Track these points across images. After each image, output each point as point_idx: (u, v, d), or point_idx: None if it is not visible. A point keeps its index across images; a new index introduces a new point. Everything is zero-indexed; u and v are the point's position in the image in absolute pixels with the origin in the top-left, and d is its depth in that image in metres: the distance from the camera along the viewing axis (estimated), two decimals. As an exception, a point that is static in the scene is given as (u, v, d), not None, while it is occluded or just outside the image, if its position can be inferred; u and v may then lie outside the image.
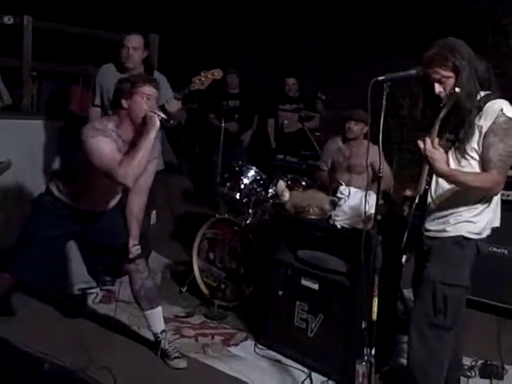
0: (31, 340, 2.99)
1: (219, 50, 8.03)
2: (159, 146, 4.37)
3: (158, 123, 3.07)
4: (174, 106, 4.01)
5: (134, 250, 3.42)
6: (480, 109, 2.63)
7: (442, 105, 2.63)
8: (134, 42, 4.31)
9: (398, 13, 7.41)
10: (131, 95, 3.12)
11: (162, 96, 4.13)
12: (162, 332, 3.55)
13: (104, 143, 3.04)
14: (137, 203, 3.44)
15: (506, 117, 2.59)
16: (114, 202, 3.48)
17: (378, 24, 7.54)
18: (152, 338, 3.61)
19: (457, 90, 2.55)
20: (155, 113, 3.09)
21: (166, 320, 3.72)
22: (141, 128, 3.11)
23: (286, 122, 6.58)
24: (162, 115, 3.11)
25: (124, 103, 3.13)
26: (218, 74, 4.07)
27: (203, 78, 4.02)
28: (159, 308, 3.55)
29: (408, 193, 2.92)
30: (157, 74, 4.36)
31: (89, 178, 3.18)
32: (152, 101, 3.15)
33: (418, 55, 2.80)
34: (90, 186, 3.25)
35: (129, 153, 3.08)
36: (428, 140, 2.59)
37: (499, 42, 6.88)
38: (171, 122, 3.20)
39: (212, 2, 8.81)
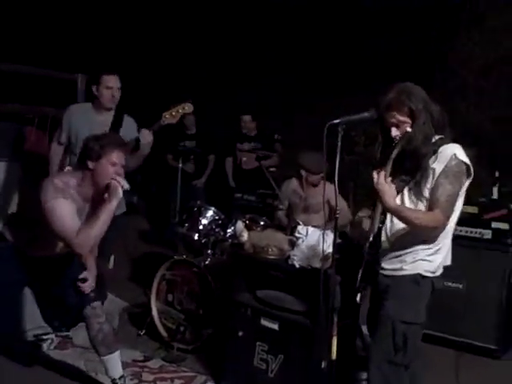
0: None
1: (174, 90, 8.07)
2: None
3: (120, 194, 3.04)
4: (148, 137, 3.95)
5: (86, 285, 3.35)
6: (435, 152, 2.72)
7: (393, 144, 2.71)
8: (117, 82, 4.27)
9: (353, 54, 7.63)
10: (98, 158, 3.07)
11: (130, 137, 4.11)
12: (120, 378, 3.48)
13: (63, 207, 2.98)
14: None
15: (458, 160, 2.69)
16: None
17: (335, 64, 7.74)
18: (110, 384, 3.53)
19: (408, 129, 2.66)
20: (119, 182, 3.05)
21: (124, 364, 3.65)
22: (102, 190, 3.07)
23: (244, 159, 6.63)
24: (126, 185, 3.07)
25: (90, 164, 3.08)
26: (188, 108, 4.03)
27: (174, 113, 3.97)
28: (117, 353, 3.49)
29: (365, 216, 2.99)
30: (127, 118, 4.35)
31: (46, 224, 3.09)
32: (119, 167, 3.10)
33: (371, 94, 2.89)
34: (48, 233, 3.13)
35: (88, 219, 3.04)
36: (382, 173, 2.67)
37: (446, 79, 7.12)
38: (134, 198, 3.17)
39: (166, 42, 8.90)
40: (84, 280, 3.35)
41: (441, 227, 2.75)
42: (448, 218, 2.72)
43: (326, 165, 2.88)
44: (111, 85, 4.23)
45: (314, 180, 4.62)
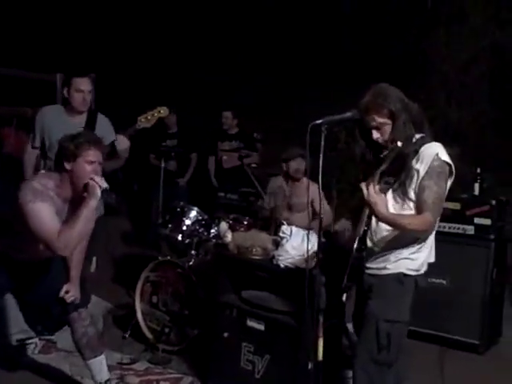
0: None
1: (155, 89, 8.05)
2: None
3: (98, 194, 2.99)
4: (124, 143, 3.92)
5: (68, 296, 3.31)
6: (416, 152, 2.72)
7: (382, 156, 2.70)
8: (89, 85, 4.19)
9: (334, 53, 7.65)
10: (75, 158, 3.03)
11: (106, 137, 4.08)
12: (106, 381, 3.45)
13: (43, 210, 2.93)
14: (77, 248, 3.34)
15: (441, 160, 2.70)
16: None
17: (316, 60, 7.75)
18: (95, 388, 3.50)
19: (399, 144, 2.63)
20: (97, 182, 3.00)
21: (110, 367, 3.62)
22: (81, 190, 3.04)
23: (225, 157, 6.61)
24: (104, 185, 3.02)
25: (67, 165, 3.04)
26: (164, 111, 4.01)
27: (149, 117, 3.96)
28: (102, 356, 3.46)
29: (337, 227, 3.00)
30: (100, 117, 4.30)
31: (25, 227, 3.02)
32: (96, 165, 3.07)
33: (354, 92, 2.89)
34: (28, 235, 3.06)
35: (68, 221, 3.00)
36: (371, 186, 2.65)
37: (427, 75, 7.17)
38: (113, 197, 3.13)
39: (148, 42, 8.85)
40: (67, 292, 3.32)
41: (431, 229, 2.77)
42: (437, 218, 2.74)
43: (305, 155, 2.87)
44: (82, 88, 4.15)
45: (294, 169, 4.68)
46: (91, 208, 3.00)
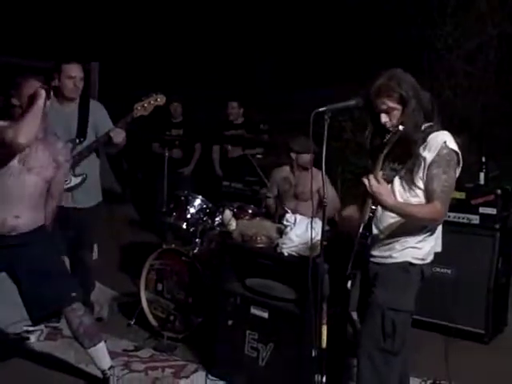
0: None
1: (162, 78, 8.03)
2: (96, 174, 4.29)
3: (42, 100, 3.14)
4: (120, 136, 3.93)
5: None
6: (424, 140, 2.70)
7: (385, 140, 2.68)
8: (80, 71, 4.09)
9: (338, 41, 7.60)
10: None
11: (100, 123, 4.08)
12: (109, 368, 3.47)
13: None
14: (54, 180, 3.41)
15: (449, 149, 2.67)
16: (34, 217, 3.33)
17: (320, 51, 7.72)
18: (100, 375, 3.51)
19: (400, 127, 2.62)
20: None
21: (115, 355, 3.64)
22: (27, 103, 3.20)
23: (229, 147, 6.60)
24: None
25: (14, 101, 3.21)
26: (160, 99, 4.00)
27: (146, 104, 3.95)
28: (102, 343, 3.46)
29: (344, 213, 2.99)
30: (93, 103, 4.26)
31: None
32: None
33: (359, 82, 2.87)
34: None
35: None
36: (371, 176, 2.63)
37: (434, 65, 7.13)
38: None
39: (153, 31, 8.83)
40: None
41: (441, 218, 2.74)
42: (447, 207, 2.71)
43: (314, 147, 2.85)
44: (73, 74, 4.04)
45: (305, 161, 4.63)
46: (38, 106, 3.13)
